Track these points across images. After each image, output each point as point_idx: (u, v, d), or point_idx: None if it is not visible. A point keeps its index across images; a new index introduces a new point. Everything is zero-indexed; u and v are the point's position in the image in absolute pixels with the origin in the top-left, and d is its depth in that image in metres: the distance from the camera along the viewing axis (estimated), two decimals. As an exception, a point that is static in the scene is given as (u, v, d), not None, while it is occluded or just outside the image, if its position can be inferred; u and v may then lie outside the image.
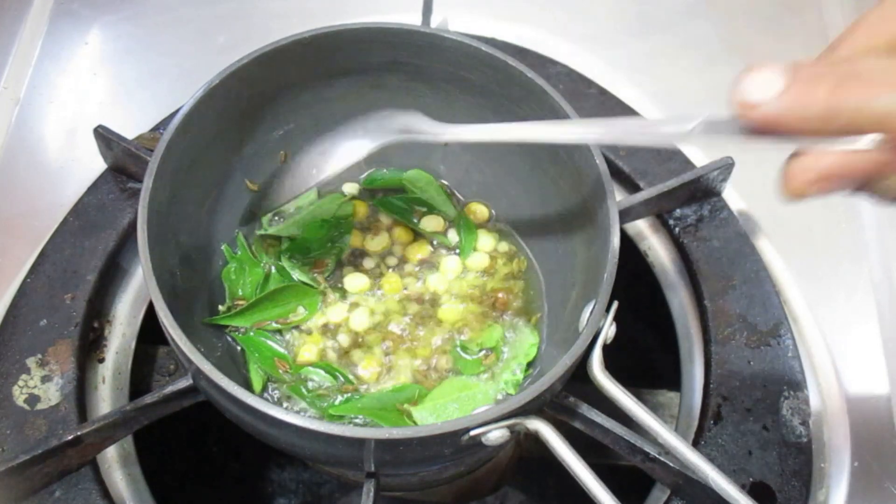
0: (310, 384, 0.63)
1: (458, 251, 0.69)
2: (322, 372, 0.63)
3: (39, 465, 0.55)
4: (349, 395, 0.62)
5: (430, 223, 0.70)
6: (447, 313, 0.66)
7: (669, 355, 0.72)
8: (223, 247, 0.66)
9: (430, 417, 0.60)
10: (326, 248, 0.68)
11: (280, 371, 0.62)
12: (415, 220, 0.71)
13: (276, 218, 0.69)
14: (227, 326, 0.64)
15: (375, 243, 0.69)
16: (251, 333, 0.64)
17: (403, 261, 0.69)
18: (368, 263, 0.69)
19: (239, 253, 0.67)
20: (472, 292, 0.68)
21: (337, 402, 0.61)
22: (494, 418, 0.48)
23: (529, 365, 0.64)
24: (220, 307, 0.65)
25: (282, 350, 0.64)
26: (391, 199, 0.72)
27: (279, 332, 0.65)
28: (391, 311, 0.66)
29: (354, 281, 0.67)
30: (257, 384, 0.62)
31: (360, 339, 0.65)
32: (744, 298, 0.68)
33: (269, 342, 0.64)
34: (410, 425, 0.60)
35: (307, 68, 0.64)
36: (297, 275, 0.66)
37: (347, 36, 0.62)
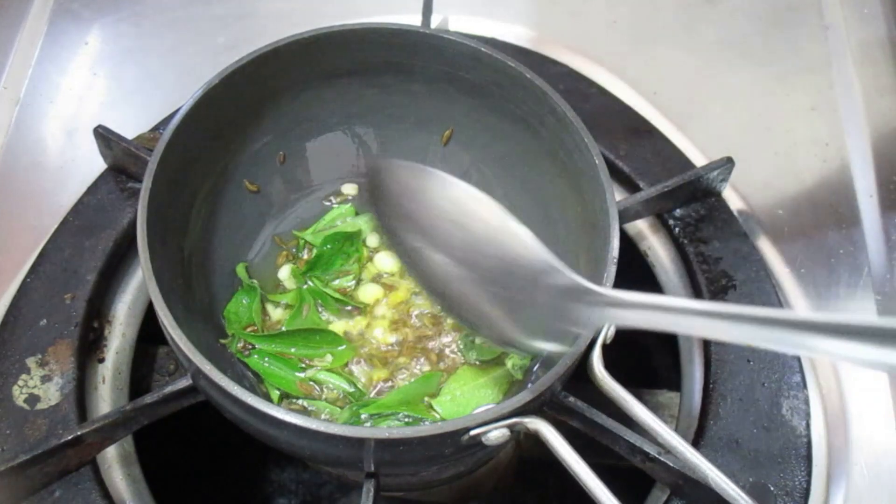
0: (323, 390, 0.62)
1: None
2: (339, 379, 0.62)
3: (39, 465, 0.55)
4: (371, 398, 0.62)
5: None
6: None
7: (669, 355, 0.71)
8: (237, 268, 0.66)
9: (452, 407, 0.60)
10: (346, 261, 0.68)
11: (298, 388, 0.62)
12: None
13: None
14: (231, 343, 0.64)
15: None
16: (266, 360, 0.62)
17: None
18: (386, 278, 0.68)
19: (245, 285, 0.66)
20: None
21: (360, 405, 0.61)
22: (494, 418, 0.48)
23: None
24: (225, 321, 0.64)
25: (301, 375, 0.63)
26: None
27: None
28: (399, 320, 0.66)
29: (369, 290, 0.67)
30: (274, 397, 0.62)
31: (376, 352, 0.65)
32: (744, 298, 0.68)
33: (285, 367, 0.63)
34: (436, 417, 0.60)
35: (307, 68, 0.64)
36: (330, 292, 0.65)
37: (347, 36, 0.62)
